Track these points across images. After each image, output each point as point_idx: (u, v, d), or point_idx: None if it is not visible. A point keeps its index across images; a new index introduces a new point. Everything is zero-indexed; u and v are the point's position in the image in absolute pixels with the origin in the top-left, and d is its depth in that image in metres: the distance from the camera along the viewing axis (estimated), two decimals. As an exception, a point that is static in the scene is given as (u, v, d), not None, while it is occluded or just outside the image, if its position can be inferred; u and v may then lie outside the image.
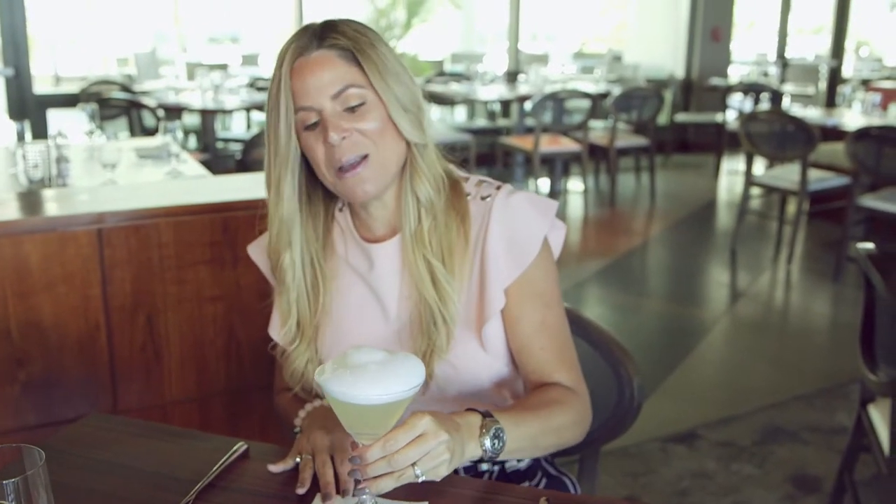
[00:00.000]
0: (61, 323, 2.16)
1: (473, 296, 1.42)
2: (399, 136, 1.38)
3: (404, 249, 1.42)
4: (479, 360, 1.43)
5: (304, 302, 1.47)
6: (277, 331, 1.53)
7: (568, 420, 1.38)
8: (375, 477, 1.10)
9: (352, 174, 1.34)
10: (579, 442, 1.43)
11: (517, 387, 1.51)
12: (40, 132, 6.68)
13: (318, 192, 1.46)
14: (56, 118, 7.10)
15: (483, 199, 1.43)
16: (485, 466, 1.51)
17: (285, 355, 1.51)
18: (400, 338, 1.45)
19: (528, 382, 1.46)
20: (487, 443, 1.21)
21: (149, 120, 6.25)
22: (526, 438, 1.29)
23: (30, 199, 2.50)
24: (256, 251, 1.61)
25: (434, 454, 1.11)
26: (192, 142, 7.91)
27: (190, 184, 2.94)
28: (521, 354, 1.44)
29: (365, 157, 1.35)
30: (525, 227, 1.41)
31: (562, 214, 7.25)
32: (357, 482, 1.13)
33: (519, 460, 1.54)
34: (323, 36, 1.35)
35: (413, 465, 1.10)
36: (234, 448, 1.34)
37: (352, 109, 1.34)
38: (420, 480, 1.11)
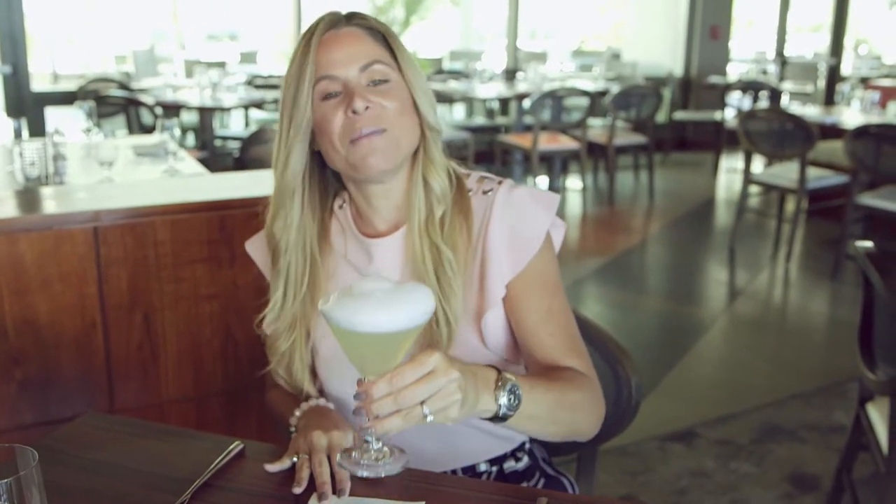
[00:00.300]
0: (57, 321, 2.15)
1: (474, 291, 1.40)
2: (415, 122, 1.39)
3: (409, 242, 1.40)
4: (478, 354, 1.42)
5: (294, 270, 1.43)
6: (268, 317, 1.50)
7: (584, 399, 1.34)
8: (381, 418, 1.04)
9: (367, 141, 1.33)
10: (592, 435, 1.39)
11: None
12: (38, 130, 6.68)
13: (322, 182, 1.46)
14: (54, 116, 7.08)
15: (485, 193, 1.43)
16: (483, 467, 1.50)
17: (272, 337, 1.48)
18: None
19: (536, 369, 1.42)
20: (503, 398, 1.16)
21: (147, 117, 6.24)
22: (541, 404, 1.24)
23: (26, 196, 2.49)
24: (254, 247, 1.60)
25: (444, 393, 1.06)
26: (190, 139, 7.90)
27: (187, 182, 2.94)
28: (530, 342, 1.41)
29: (383, 130, 1.34)
30: (528, 221, 1.39)
31: (560, 213, 7.17)
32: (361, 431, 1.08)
33: (518, 459, 1.53)
34: (351, 17, 1.39)
35: (422, 404, 1.04)
36: (231, 447, 1.33)
37: (375, 84, 1.35)
38: (429, 421, 1.05)
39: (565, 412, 1.30)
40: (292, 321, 1.45)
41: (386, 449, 1.13)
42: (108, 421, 1.53)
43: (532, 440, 1.59)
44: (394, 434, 1.06)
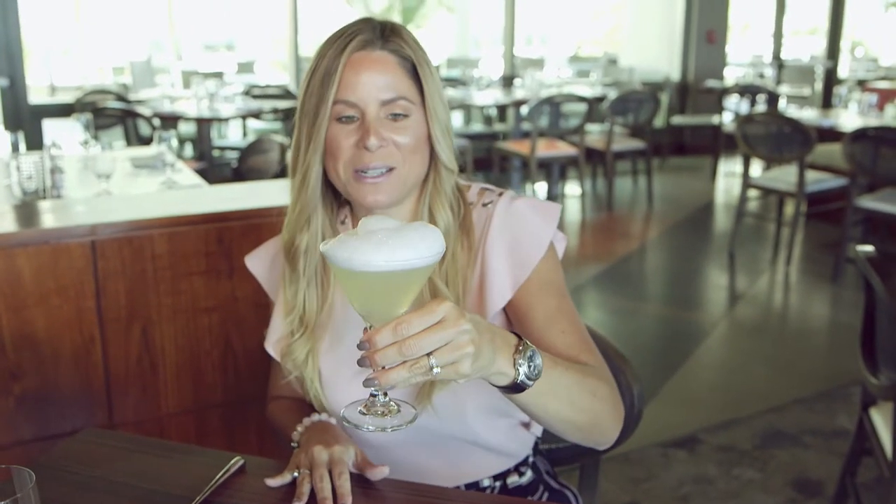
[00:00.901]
0: (55, 336, 2.14)
1: (472, 303, 1.39)
2: (427, 157, 1.37)
3: None
4: None
5: (313, 292, 1.43)
6: (276, 335, 1.49)
7: (604, 388, 1.26)
8: (386, 369, 0.97)
9: (371, 181, 1.32)
10: (613, 438, 1.31)
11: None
12: (35, 142, 6.68)
13: (333, 193, 1.43)
14: (51, 128, 7.08)
15: (484, 205, 1.41)
16: (486, 482, 1.48)
17: (286, 349, 1.45)
18: None
19: None
20: (523, 364, 1.07)
21: (144, 129, 6.24)
22: (560, 381, 1.17)
23: (23, 210, 2.48)
24: (255, 262, 1.59)
25: (455, 345, 0.97)
26: (188, 150, 7.90)
27: (185, 194, 2.93)
28: (542, 341, 1.33)
29: (391, 169, 1.32)
30: (528, 232, 1.37)
31: (560, 219, 7.20)
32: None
33: (521, 474, 1.51)
34: (387, 37, 1.34)
35: (429, 356, 0.97)
36: (231, 463, 1.32)
37: (394, 118, 1.32)
38: (435, 374, 0.97)
39: (586, 396, 1.22)
40: (309, 332, 1.43)
41: (393, 404, 1.05)
42: (107, 437, 1.52)
43: (535, 452, 1.57)
44: (401, 390, 1.00)
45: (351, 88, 1.30)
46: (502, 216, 1.39)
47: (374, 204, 1.33)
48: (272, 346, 1.51)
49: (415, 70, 1.35)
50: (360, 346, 0.99)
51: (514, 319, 1.39)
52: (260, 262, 1.57)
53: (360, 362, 0.99)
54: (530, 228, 1.38)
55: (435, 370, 0.97)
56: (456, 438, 1.41)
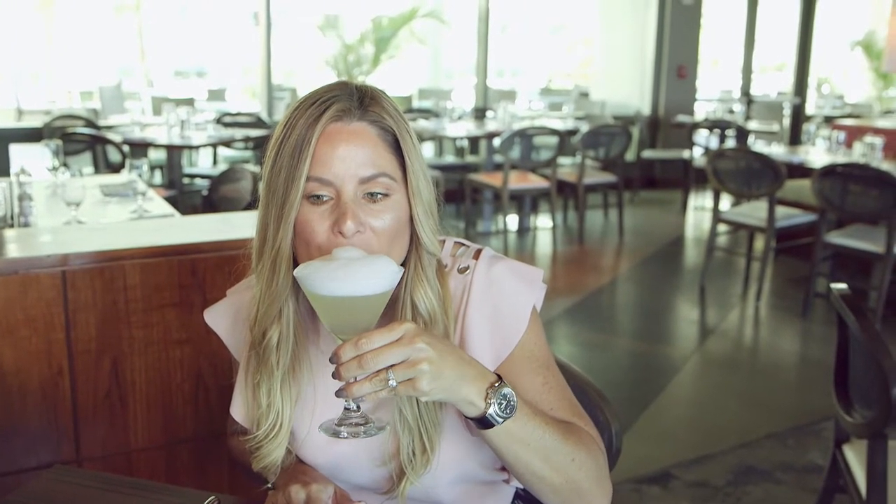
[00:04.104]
0: (23, 368, 2.09)
1: None
2: (407, 242, 1.24)
3: None
4: (472, 440, 1.30)
5: (287, 387, 1.30)
6: (248, 415, 1.36)
7: (587, 461, 1.22)
8: (350, 383, 1.05)
9: None
10: None
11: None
12: (2, 168, 6.59)
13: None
14: (18, 153, 6.99)
15: (461, 271, 1.31)
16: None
17: (257, 447, 1.31)
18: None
19: None
20: (495, 402, 1.11)
21: (114, 155, 6.19)
22: (536, 433, 1.16)
23: (-9, 239, 2.43)
24: (215, 318, 1.47)
25: (411, 362, 1.05)
26: (158, 177, 7.84)
27: (157, 224, 2.89)
28: None
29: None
30: (510, 301, 1.29)
31: (531, 252, 7.25)
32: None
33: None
34: (367, 106, 1.21)
35: (389, 370, 1.04)
36: (206, 503, 1.29)
37: (372, 199, 1.19)
38: (393, 388, 1.05)
39: (563, 458, 1.20)
40: (286, 430, 1.31)
41: (367, 416, 1.14)
42: (76, 475, 1.47)
43: (517, 497, 1.52)
44: (370, 402, 1.08)
45: (326, 165, 1.17)
46: (482, 285, 1.29)
47: None
48: (238, 413, 1.40)
49: (396, 143, 1.22)
50: (330, 360, 1.06)
51: None
52: (221, 320, 1.46)
53: (333, 375, 1.05)
54: (513, 296, 1.29)
55: (391, 382, 1.04)
56: None
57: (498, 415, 1.12)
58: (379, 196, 1.20)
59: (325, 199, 1.18)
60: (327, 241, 1.18)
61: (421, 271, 1.25)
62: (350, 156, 1.18)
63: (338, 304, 1.08)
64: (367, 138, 1.19)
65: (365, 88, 1.23)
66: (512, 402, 1.12)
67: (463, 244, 1.36)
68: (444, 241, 1.35)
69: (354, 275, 1.07)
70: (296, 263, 1.19)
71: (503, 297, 1.29)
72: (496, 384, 1.12)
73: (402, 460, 1.26)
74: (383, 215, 1.20)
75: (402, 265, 1.19)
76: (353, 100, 1.20)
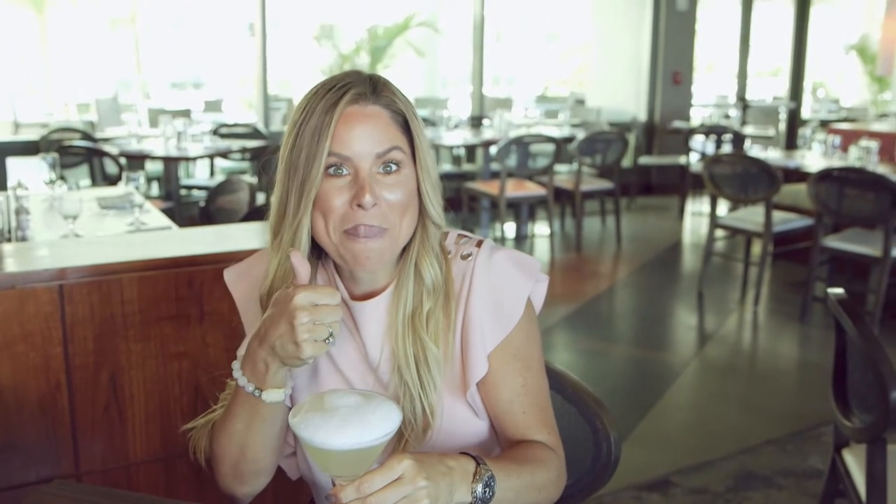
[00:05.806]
0: (21, 383, 2.09)
1: (456, 364, 1.37)
2: (416, 214, 1.34)
3: (391, 331, 1.35)
4: (471, 425, 1.40)
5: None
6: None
7: (550, 479, 1.36)
8: None
9: (363, 242, 1.28)
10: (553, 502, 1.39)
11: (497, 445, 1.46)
12: (-1, 181, 6.59)
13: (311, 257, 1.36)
14: (15, 166, 6.99)
15: (464, 258, 1.39)
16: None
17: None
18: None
19: (506, 443, 1.41)
20: (479, 490, 1.20)
21: (111, 167, 6.18)
22: (511, 490, 1.26)
23: (-12, 254, 2.43)
24: (234, 278, 1.51)
25: (412, 499, 1.09)
26: (155, 189, 7.84)
27: (154, 236, 2.89)
28: (503, 420, 1.40)
29: (383, 230, 1.29)
30: (509, 288, 1.37)
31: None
32: None
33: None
34: (379, 91, 1.32)
35: None
36: (204, 518, 1.29)
37: (387, 170, 1.30)
38: None
39: (532, 494, 1.32)
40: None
41: None
42: (75, 489, 1.47)
43: None
44: None
45: (345, 143, 1.27)
46: (484, 271, 1.37)
47: (364, 265, 1.30)
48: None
49: (405, 124, 1.33)
50: (327, 499, 1.10)
51: (482, 389, 1.39)
52: (239, 281, 1.49)
53: None
54: (512, 283, 1.38)
55: None
56: None
57: (484, 500, 1.21)
58: (393, 167, 1.30)
59: (344, 173, 1.28)
60: (343, 215, 1.28)
61: (427, 241, 1.36)
62: (366, 134, 1.28)
63: (346, 456, 1.08)
64: (381, 119, 1.31)
65: (376, 76, 1.35)
66: (492, 484, 1.22)
67: (466, 235, 1.44)
68: (447, 233, 1.43)
69: (367, 423, 1.09)
70: (312, 241, 1.31)
71: (502, 283, 1.38)
72: (476, 474, 1.21)
73: (402, 425, 1.28)
74: (396, 189, 1.30)
75: (410, 237, 1.34)
76: (366, 85, 1.31)
